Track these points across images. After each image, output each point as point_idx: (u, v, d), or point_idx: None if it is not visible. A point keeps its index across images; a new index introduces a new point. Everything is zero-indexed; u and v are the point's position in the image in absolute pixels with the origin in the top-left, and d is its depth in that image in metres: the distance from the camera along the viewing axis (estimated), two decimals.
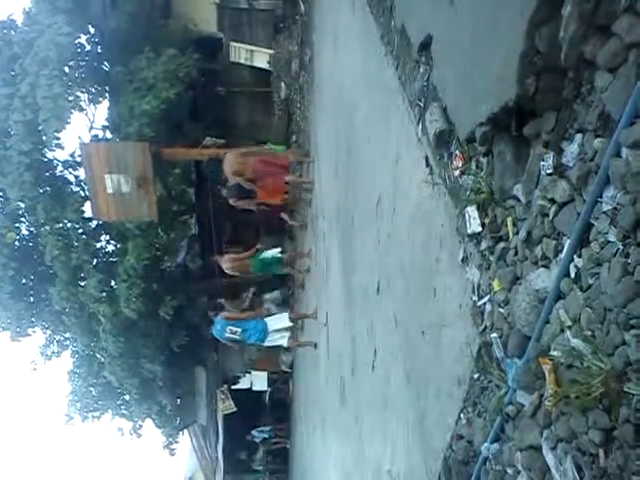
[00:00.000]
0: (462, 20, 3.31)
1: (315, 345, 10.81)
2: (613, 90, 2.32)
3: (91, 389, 16.73)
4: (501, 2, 2.82)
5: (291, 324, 10.58)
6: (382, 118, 5.54)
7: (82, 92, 13.35)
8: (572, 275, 2.58)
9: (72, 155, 13.80)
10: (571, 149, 2.63)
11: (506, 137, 3.08)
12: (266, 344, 10.52)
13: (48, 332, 15.97)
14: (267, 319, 10.37)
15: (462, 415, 3.60)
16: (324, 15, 9.73)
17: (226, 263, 11.61)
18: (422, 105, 4.23)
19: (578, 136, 2.59)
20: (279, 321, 10.48)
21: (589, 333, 2.42)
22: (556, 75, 2.66)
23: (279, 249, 11.88)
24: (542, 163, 2.81)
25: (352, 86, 7.20)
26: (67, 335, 16.10)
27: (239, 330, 9.97)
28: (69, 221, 13.44)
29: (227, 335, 10.04)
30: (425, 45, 4.04)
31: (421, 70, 4.23)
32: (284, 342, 10.54)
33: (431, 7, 3.76)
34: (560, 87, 2.67)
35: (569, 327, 2.56)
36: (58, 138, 12.29)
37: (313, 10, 10.98)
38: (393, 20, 4.97)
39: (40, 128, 12.08)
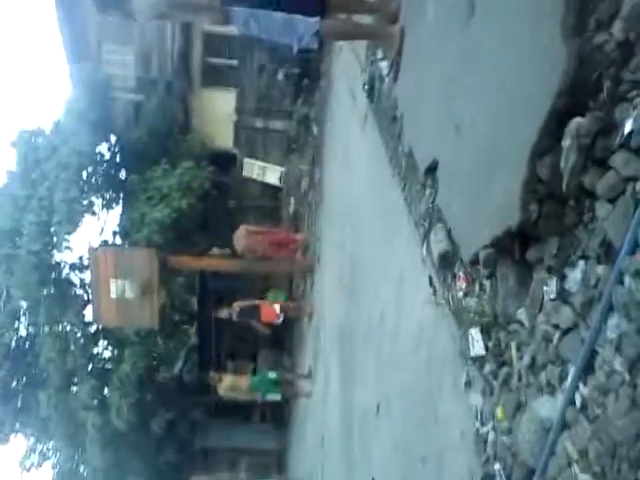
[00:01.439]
0: (467, 148, 3.44)
1: None
2: (613, 219, 2.36)
3: None
4: (504, 133, 2.95)
5: None
6: (387, 236, 5.63)
7: (97, 197, 13.78)
8: (578, 404, 2.48)
9: (80, 258, 13.97)
10: (574, 275, 2.63)
11: (509, 261, 3.10)
12: None
13: (31, 440, 15.35)
14: None
15: None
16: (335, 137, 10.18)
17: (222, 385, 11.32)
18: (427, 226, 4.30)
19: (581, 262, 2.59)
20: None
21: (598, 469, 2.29)
22: (558, 202, 2.71)
23: (276, 374, 11.42)
24: (545, 288, 2.80)
25: (359, 205, 7.39)
26: (50, 445, 15.45)
27: None
28: (69, 323, 13.33)
29: None
30: (431, 169, 4.17)
31: (427, 193, 4.34)
32: None
33: (438, 134, 3.92)
34: (562, 214, 2.71)
35: (576, 461, 2.43)
36: (68, 240, 12.52)
37: (324, 132, 11.51)
38: (401, 144, 5.18)
39: (52, 230, 12.33)
